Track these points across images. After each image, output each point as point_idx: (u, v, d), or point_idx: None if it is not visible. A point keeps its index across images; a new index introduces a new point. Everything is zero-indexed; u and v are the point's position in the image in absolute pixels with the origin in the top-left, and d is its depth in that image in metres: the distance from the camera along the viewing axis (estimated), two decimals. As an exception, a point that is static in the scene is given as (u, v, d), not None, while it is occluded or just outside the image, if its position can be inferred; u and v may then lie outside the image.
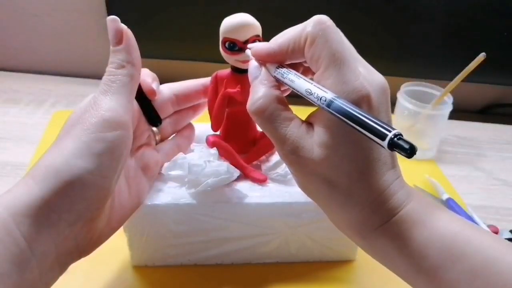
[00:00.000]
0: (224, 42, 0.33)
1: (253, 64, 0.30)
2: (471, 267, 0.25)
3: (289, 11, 0.65)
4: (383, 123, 0.23)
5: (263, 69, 0.29)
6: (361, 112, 0.24)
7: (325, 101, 0.26)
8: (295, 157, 0.27)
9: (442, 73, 0.61)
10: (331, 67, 0.26)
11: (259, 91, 0.28)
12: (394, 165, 0.27)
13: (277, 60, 0.29)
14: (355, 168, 0.26)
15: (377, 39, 0.68)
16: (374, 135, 0.23)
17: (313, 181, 0.28)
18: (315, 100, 0.26)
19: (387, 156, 0.27)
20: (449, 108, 0.57)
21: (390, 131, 0.23)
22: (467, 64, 0.52)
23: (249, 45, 0.31)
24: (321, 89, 0.26)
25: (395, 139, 0.23)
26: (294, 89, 0.28)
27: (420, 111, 0.57)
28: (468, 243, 0.25)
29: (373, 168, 0.26)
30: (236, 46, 0.33)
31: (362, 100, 0.25)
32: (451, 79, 0.55)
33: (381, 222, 0.27)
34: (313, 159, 0.26)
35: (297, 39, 0.27)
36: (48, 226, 0.26)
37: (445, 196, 0.52)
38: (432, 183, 0.55)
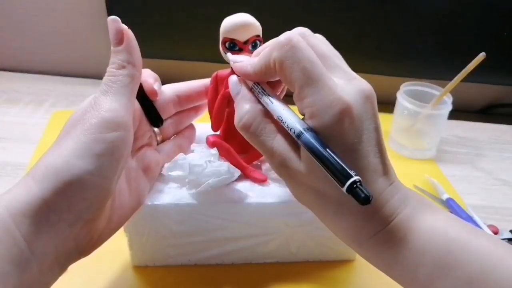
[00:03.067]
0: (224, 42, 0.33)
1: (232, 80, 0.30)
2: (467, 275, 0.25)
3: (289, 11, 0.65)
4: (347, 166, 0.24)
5: (243, 85, 0.30)
6: (325, 152, 0.24)
7: (294, 132, 0.26)
8: (284, 169, 0.28)
9: (442, 73, 0.61)
10: (304, 87, 0.26)
11: (244, 107, 0.29)
12: (385, 171, 0.27)
13: (256, 80, 0.29)
14: None
15: (377, 39, 0.68)
16: (335, 178, 0.24)
17: (305, 192, 0.28)
18: (287, 129, 0.27)
19: (376, 164, 0.26)
20: (448, 108, 0.57)
21: (349, 178, 0.23)
22: (467, 64, 0.52)
23: (231, 59, 0.32)
24: (291, 119, 0.26)
25: (354, 186, 0.23)
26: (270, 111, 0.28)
27: (420, 111, 0.57)
28: (465, 250, 0.25)
29: (362, 177, 0.25)
30: (236, 46, 0.33)
31: (343, 114, 0.25)
32: (450, 79, 0.55)
33: (376, 230, 0.27)
34: (301, 171, 0.27)
35: (267, 64, 0.27)
36: (47, 226, 0.26)
37: (445, 196, 0.52)
38: (432, 183, 0.55)
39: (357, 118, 0.25)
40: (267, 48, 0.28)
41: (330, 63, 0.27)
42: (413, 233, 0.26)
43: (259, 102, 0.29)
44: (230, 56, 0.32)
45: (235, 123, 0.29)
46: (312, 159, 0.25)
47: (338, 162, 0.24)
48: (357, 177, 0.23)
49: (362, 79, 0.27)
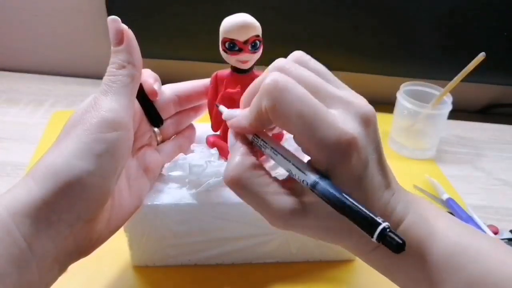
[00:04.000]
0: (224, 42, 0.33)
1: (230, 135, 0.29)
2: (467, 278, 0.25)
3: (289, 11, 0.65)
4: (372, 213, 0.22)
5: (238, 139, 0.28)
6: (347, 201, 0.23)
7: (307, 184, 0.24)
8: (282, 221, 0.26)
9: (442, 73, 0.61)
10: (303, 131, 0.24)
11: (232, 161, 0.26)
12: (387, 184, 0.26)
13: (254, 132, 0.28)
14: None
15: (377, 39, 0.68)
16: (362, 227, 0.23)
17: (310, 233, 0.27)
18: (299, 181, 0.25)
19: (380, 181, 0.26)
20: (448, 108, 0.57)
21: (378, 225, 0.22)
22: (467, 64, 0.52)
23: (224, 114, 0.29)
24: (300, 169, 0.25)
25: (383, 233, 0.22)
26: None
27: (420, 110, 0.57)
28: (465, 253, 0.25)
29: (368, 198, 0.25)
30: (236, 46, 0.33)
31: (350, 148, 0.24)
32: (450, 79, 0.55)
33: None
34: (307, 218, 0.26)
35: (260, 114, 0.25)
36: (47, 227, 0.26)
37: (445, 196, 0.52)
38: (432, 183, 0.55)
39: (363, 148, 0.24)
40: (255, 98, 0.26)
41: (322, 93, 0.25)
42: (415, 240, 0.26)
43: (253, 154, 0.27)
44: (222, 109, 0.31)
45: (223, 180, 0.27)
46: (323, 205, 0.24)
47: (363, 210, 0.23)
48: (386, 224, 0.22)
49: (357, 95, 0.26)
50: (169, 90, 0.37)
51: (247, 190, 0.26)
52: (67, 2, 0.69)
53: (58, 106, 0.66)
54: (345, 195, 0.23)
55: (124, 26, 0.30)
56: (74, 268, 0.29)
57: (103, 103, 0.28)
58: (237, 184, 0.26)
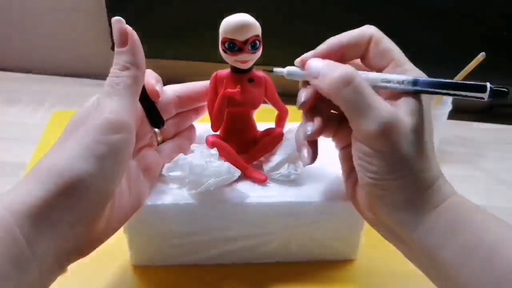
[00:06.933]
0: (223, 42, 0.33)
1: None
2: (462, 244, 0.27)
3: (289, 11, 0.65)
4: (471, 82, 0.28)
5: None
6: (448, 80, 0.29)
7: (408, 82, 0.29)
8: (384, 130, 0.28)
9: (442, 73, 0.61)
10: (404, 59, 0.31)
11: (341, 65, 0.30)
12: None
13: (334, 53, 0.32)
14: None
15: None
16: (473, 91, 0.28)
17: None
18: (397, 86, 0.29)
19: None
20: (448, 107, 0.57)
21: (485, 86, 0.27)
22: (467, 64, 0.52)
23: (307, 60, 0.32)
24: (400, 82, 0.29)
25: (493, 87, 0.28)
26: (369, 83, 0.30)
27: (420, 111, 0.57)
28: (472, 215, 0.28)
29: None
30: (236, 46, 0.33)
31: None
32: (450, 79, 0.55)
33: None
34: (408, 127, 0.28)
35: (361, 37, 0.32)
36: (49, 227, 0.26)
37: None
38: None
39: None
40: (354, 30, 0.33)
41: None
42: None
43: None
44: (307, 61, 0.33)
45: (325, 85, 0.29)
46: (414, 116, 0.29)
47: (464, 82, 0.29)
48: (487, 83, 0.28)
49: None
50: (170, 91, 0.37)
51: (363, 86, 0.28)
52: (67, 2, 0.69)
53: (58, 106, 0.65)
54: (443, 80, 0.30)
55: (128, 27, 0.30)
56: (74, 268, 0.29)
57: (107, 104, 0.28)
58: (350, 83, 0.28)
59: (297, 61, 0.32)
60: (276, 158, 0.39)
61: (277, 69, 0.33)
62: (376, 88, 0.30)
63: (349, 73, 0.28)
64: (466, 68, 0.53)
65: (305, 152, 0.33)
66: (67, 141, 0.27)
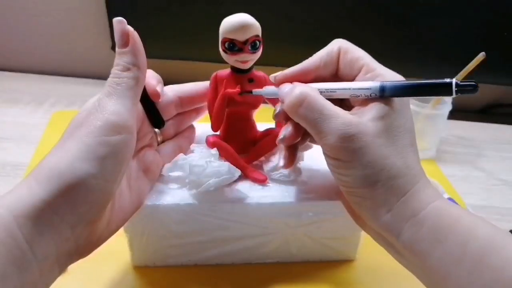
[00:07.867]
0: (223, 42, 0.33)
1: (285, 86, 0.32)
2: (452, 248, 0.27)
3: (289, 11, 0.65)
4: (437, 79, 0.28)
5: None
6: (414, 82, 0.28)
7: (375, 90, 0.29)
8: (347, 140, 0.28)
9: (442, 73, 0.61)
10: (375, 64, 0.31)
11: (297, 87, 0.30)
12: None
13: (304, 77, 0.32)
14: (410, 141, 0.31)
15: (377, 39, 0.68)
16: (439, 90, 0.28)
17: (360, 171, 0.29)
18: (365, 96, 0.29)
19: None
20: (448, 107, 0.57)
21: (449, 83, 0.27)
22: (467, 64, 0.52)
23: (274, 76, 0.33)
24: (363, 88, 0.29)
25: (458, 84, 0.27)
26: (338, 96, 0.30)
27: (420, 110, 0.57)
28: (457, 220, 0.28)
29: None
30: (236, 46, 0.33)
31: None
32: (450, 79, 0.55)
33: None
34: (370, 132, 0.28)
35: (330, 53, 0.32)
36: (49, 228, 0.26)
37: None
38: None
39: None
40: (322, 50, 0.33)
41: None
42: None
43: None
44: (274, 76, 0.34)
45: (285, 107, 0.30)
46: (381, 121, 0.28)
47: (430, 81, 0.28)
48: (453, 79, 0.27)
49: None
50: (171, 91, 0.37)
51: (313, 103, 0.29)
52: (67, 2, 0.69)
53: (58, 106, 0.66)
54: (408, 81, 0.29)
55: (130, 28, 0.29)
56: (74, 268, 0.29)
57: (108, 105, 0.28)
58: (302, 104, 0.29)
59: (271, 76, 0.34)
60: (276, 158, 0.39)
61: (256, 90, 0.35)
62: (345, 96, 0.31)
63: (303, 92, 0.29)
64: (466, 68, 0.53)
65: (282, 156, 0.34)
66: (68, 142, 0.27)
